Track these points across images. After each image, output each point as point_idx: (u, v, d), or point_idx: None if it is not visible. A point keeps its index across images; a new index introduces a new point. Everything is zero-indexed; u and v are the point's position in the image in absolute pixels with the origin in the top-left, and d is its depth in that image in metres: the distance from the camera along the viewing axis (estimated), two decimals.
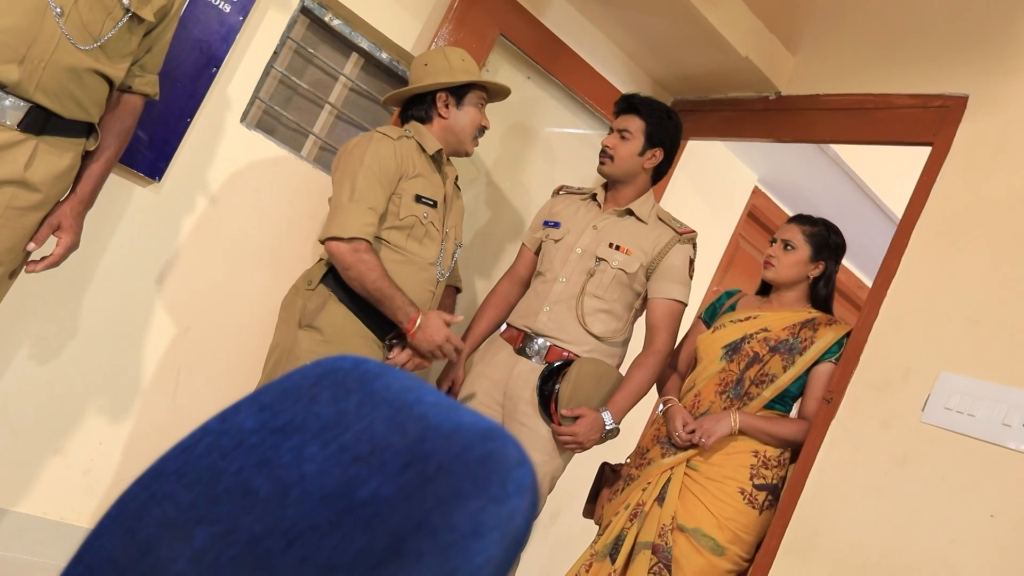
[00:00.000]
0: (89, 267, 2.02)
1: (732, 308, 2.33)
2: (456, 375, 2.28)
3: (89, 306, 2.07)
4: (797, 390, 2.15)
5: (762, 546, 2.02)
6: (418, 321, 1.96)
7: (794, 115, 2.55)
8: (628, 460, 2.32)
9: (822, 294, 2.24)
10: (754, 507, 2.06)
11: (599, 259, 2.19)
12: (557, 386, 2.10)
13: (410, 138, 2.06)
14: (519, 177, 2.83)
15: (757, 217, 3.58)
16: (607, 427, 2.13)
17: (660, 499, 2.11)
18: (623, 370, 2.25)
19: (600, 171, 2.27)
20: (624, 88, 2.86)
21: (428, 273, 2.06)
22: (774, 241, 2.27)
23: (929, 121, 2.16)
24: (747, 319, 2.23)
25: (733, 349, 2.19)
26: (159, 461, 0.79)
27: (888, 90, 2.30)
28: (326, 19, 2.34)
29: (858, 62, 2.42)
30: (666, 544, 2.05)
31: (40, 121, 1.56)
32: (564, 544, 3.02)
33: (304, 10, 2.30)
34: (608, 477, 2.35)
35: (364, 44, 2.43)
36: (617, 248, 2.20)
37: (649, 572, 2.03)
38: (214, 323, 2.25)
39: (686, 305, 2.26)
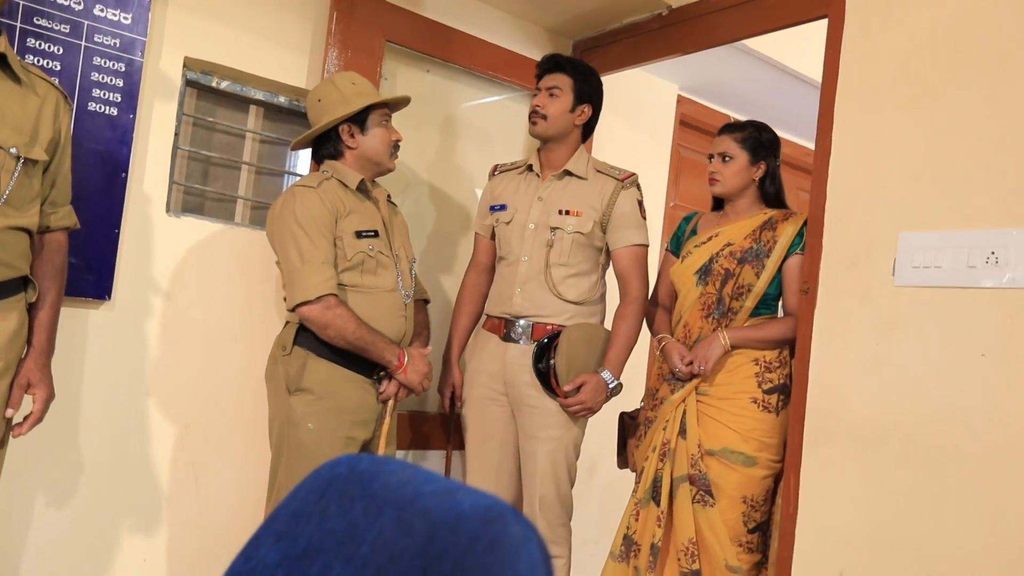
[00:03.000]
0: (73, 403, 2.03)
1: (694, 231, 2.37)
2: (454, 379, 2.37)
3: (86, 438, 2.08)
4: (776, 290, 2.21)
5: (788, 444, 2.10)
6: (405, 358, 2.02)
7: (691, 24, 2.55)
8: (643, 404, 2.39)
9: (771, 191, 2.30)
10: (770, 411, 2.13)
11: (553, 228, 2.23)
12: (552, 361, 2.15)
13: (330, 179, 2.06)
14: (454, 167, 2.83)
15: (689, 123, 3.59)
16: (610, 385, 2.20)
17: (682, 432, 2.17)
18: (607, 324, 2.30)
19: (533, 132, 2.29)
20: (523, 49, 2.85)
21: (393, 300, 2.08)
22: (712, 157, 2.31)
23: None
24: (709, 239, 2.28)
25: (705, 272, 2.24)
26: None
27: None
28: (214, 84, 2.31)
29: None
30: (700, 472, 2.12)
31: None
32: (608, 493, 3.11)
33: (189, 83, 2.26)
34: (629, 425, 2.42)
35: (259, 95, 2.41)
36: (567, 213, 2.23)
37: (693, 502, 2.12)
38: (210, 411, 2.27)
39: (647, 246, 2.31)
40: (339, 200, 2.03)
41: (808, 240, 2.11)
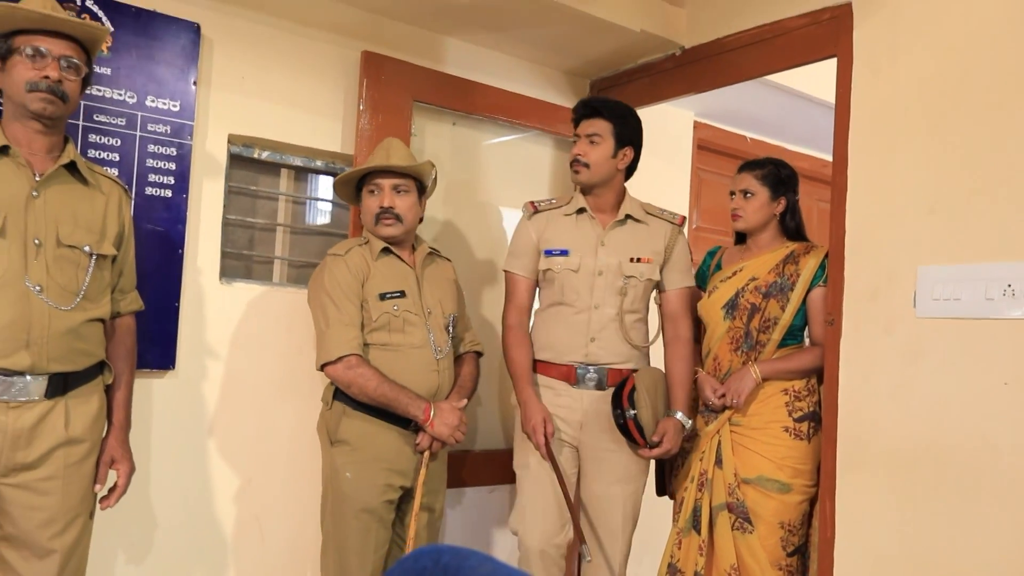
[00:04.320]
0: (144, 466, 2.17)
1: (718, 267, 2.47)
2: (544, 414, 2.22)
3: (158, 498, 2.22)
4: (801, 321, 2.30)
5: (821, 470, 2.19)
6: (431, 412, 2.10)
7: (704, 64, 2.64)
8: None
9: (792, 226, 2.39)
10: (801, 439, 2.22)
11: (628, 276, 2.26)
12: (633, 412, 2.15)
13: (363, 244, 2.20)
14: (483, 210, 2.95)
15: (707, 146, 3.68)
16: (685, 427, 2.27)
17: (718, 462, 2.27)
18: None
19: (577, 180, 2.30)
20: (542, 93, 2.96)
21: (423, 356, 2.16)
22: (733, 193, 2.40)
23: (825, 35, 2.26)
24: (734, 274, 2.37)
25: (731, 306, 2.33)
26: None
27: (779, 16, 2.39)
28: (255, 156, 2.45)
29: None
30: (738, 500, 2.22)
31: (61, 384, 1.70)
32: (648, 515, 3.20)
33: (233, 157, 2.40)
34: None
35: (297, 161, 2.54)
36: (639, 260, 2.27)
37: (733, 529, 2.21)
38: (270, 464, 2.41)
39: (693, 286, 2.43)
40: (365, 265, 2.16)
41: (830, 273, 2.20)
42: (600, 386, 2.26)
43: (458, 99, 2.70)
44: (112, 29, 2.09)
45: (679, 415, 2.24)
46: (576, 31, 2.64)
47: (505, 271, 2.39)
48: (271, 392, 2.40)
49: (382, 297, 2.15)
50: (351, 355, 2.07)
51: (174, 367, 2.22)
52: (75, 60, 1.73)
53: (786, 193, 2.37)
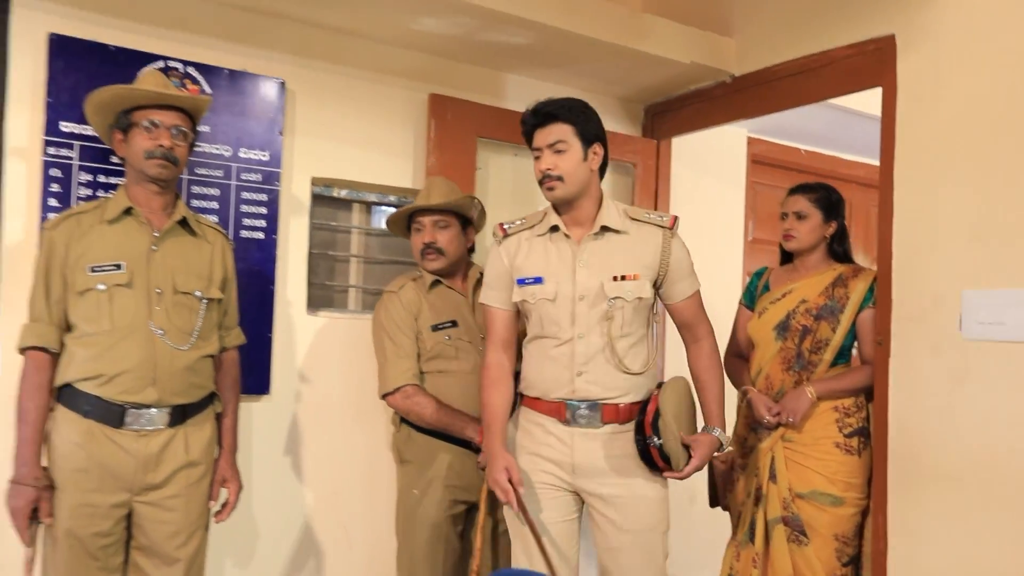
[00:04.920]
0: (247, 481, 2.40)
1: (767, 287, 2.57)
2: (508, 463, 1.96)
3: (258, 509, 2.47)
4: (849, 341, 2.40)
5: (873, 485, 2.29)
6: None
7: (753, 91, 2.76)
8: (730, 448, 2.60)
9: (840, 250, 2.48)
10: (852, 453, 2.32)
11: (612, 298, 1.96)
12: (658, 440, 1.90)
13: (417, 279, 2.39)
14: None
15: (761, 160, 3.77)
16: (724, 445, 2.06)
17: (772, 477, 2.39)
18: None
19: (552, 198, 2.01)
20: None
21: (476, 381, 2.22)
22: (785, 215, 2.50)
23: (870, 66, 2.35)
24: (784, 296, 2.47)
25: (783, 328, 2.44)
26: None
27: (825, 47, 2.49)
28: (334, 195, 2.67)
29: (792, 27, 2.61)
30: (793, 513, 2.33)
31: (180, 414, 1.94)
32: (705, 523, 3.33)
33: (315, 197, 2.62)
34: (717, 468, 2.62)
35: (372, 197, 2.76)
36: (623, 278, 1.98)
37: (788, 541, 2.33)
38: (354, 478, 2.63)
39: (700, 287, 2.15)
40: (417, 299, 2.35)
41: (879, 296, 2.30)
42: (594, 424, 1.98)
43: (518, 133, 2.86)
44: (210, 90, 2.33)
45: (717, 432, 2.04)
46: (629, 65, 2.78)
47: (481, 303, 2.15)
48: (352, 412, 2.62)
49: (434, 328, 2.33)
50: (407, 385, 2.26)
51: (269, 392, 2.46)
52: (184, 128, 1.97)
53: (837, 217, 2.47)
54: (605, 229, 2.01)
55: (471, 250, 2.49)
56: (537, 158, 2.01)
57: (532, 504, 1.98)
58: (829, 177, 3.99)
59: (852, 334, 2.40)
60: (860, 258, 2.60)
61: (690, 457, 1.96)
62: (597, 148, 2.01)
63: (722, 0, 2.80)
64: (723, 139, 3.51)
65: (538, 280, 2.01)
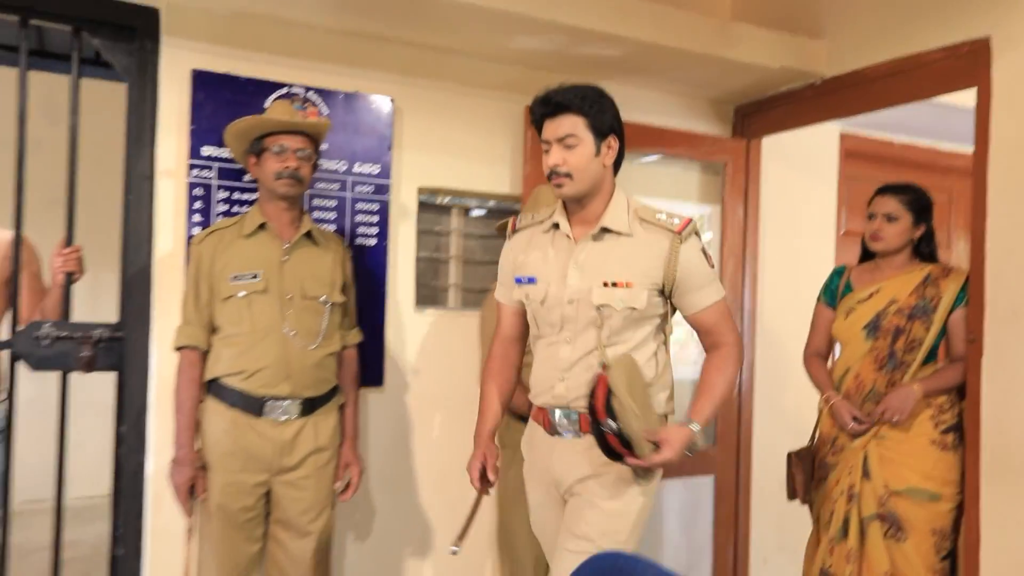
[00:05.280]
0: (367, 466, 2.66)
1: (848, 286, 2.59)
2: (484, 452, 2.04)
3: (376, 490, 2.72)
4: (937, 340, 2.43)
5: (966, 480, 2.33)
6: None
7: (844, 93, 2.79)
8: (814, 445, 2.64)
9: (926, 251, 2.50)
10: (946, 449, 2.37)
11: (600, 306, 1.83)
12: (614, 424, 1.69)
13: None
14: None
15: (854, 154, 3.75)
16: (696, 445, 1.83)
17: (866, 475, 2.43)
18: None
19: (560, 195, 1.88)
20: (689, 122, 3.20)
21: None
22: (873, 216, 2.51)
23: (964, 68, 2.36)
24: (871, 296, 2.50)
25: (873, 328, 2.47)
26: None
27: (917, 49, 2.51)
28: (438, 202, 2.88)
29: (884, 29, 2.63)
30: (889, 510, 2.38)
31: (309, 406, 2.19)
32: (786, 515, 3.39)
33: (422, 205, 2.84)
34: (796, 463, 2.64)
35: (473, 203, 2.95)
36: (615, 285, 1.83)
37: (885, 537, 2.38)
38: (460, 461, 2.83)
39: (724, 296, 1.93)
40: None
41: (971, 295, 2.32)
42: (572, 434, 1.89)
43: None
44: (327, 111, 2.56)
45: (694, 426, 1.79)
46: (719, 71, 2.86)
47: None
48: (457, 400, 2.83)
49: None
50: None
51: (383, 384, 2.69)
52: (308, 151, 2.20)
53: (927, 220, 2.48)
54: (605, 231, 1.86)
55: None
56: (546, 151, 1.86)
57: (531, 513, 2.06)
58: (927, 168, 3.95)
59: (941, 333, 2.42)
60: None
61: (657, 447, 1.73)
62: (612, 141, 1.85)
63: (812, 4, 2.84)
64: (815, 135, 3.52)
65: (532, 280, 1.93)
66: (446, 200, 2.90)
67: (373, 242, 2.66)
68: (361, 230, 2.64)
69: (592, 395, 1.73)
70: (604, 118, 1.83)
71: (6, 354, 2.34)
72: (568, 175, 1.82)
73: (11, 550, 2.37)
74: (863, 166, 3.81)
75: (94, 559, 2.76)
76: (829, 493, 2.54)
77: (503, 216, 2.98)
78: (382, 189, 2.67)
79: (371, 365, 2.65)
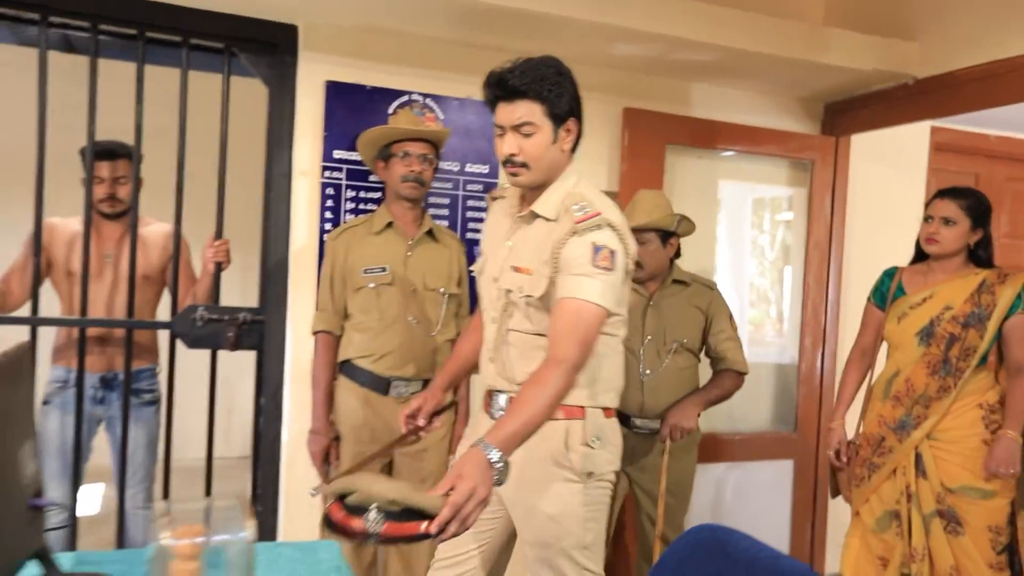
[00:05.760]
0: None
1: (900, 289, 2.58)
2: (427, 398, 1.96)
3: None
4: (990, 346, 2.44)
5: (1019, 479, 2.38)
6: None
7: (935, 95, 2.87)
8: (857, 443, 2.64)
9: (983, 256, 2.49)
10: None
11: (507, 291, 1.77)
12: (373, 513, 1.30)
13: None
14: (716, 231, 3.40)
15: (944, 148, 3.78)
16: (496, 465, 1.43)
17: (923, 474, 2.48)
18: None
19: (518, 184, 1.78)
20: (778, 120, 3.31)
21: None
22: (930, 219, 2.49)
23: None
24: (924, 301, 2.50)
25: (927, 334, 2.48)
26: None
27: (1011, 53, 2.57)
28: None
29: (978, 33, 2.70)
30: (947, 507, 2.45)
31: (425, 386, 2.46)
32: None
33: None
34: (835, 464, 2.68)
35: None
36: (518, 270, 1.76)
37: (946, 532, 2.46)
38: None
39: (601, 307, 1.64)
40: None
41: None
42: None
43: (703, 138, 3.15)
44: (443, 116, 2.80)
45: (490, 451, 1.43)
46: (810, 73, 2.98)
47: None
48: None
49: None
50: None
51: None
52: (430, 155, 2.45)
53: (985, 225, 2.47)
54: (535, 215, 1.77)
55: (678, 255, 2.65)
56: (499, 136, 1.74)
57: None
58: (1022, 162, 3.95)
59: (994, 338, 2.43)
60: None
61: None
62: (571, 125, 1.75)
63: (905, 7, 2.92)
64: (905, 129, 3.58)
65: (478, 254, 1.93)
66: None
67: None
68: (471, 226, 2.88)
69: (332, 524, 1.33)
70: (562, 102, 1.71)
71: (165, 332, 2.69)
72: (524, 164, 1.72)
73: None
74: (954, 160, 3.84)
75: None
76: (876, 491, 2.58)
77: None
78: (490, 188, 2.90)
79: None
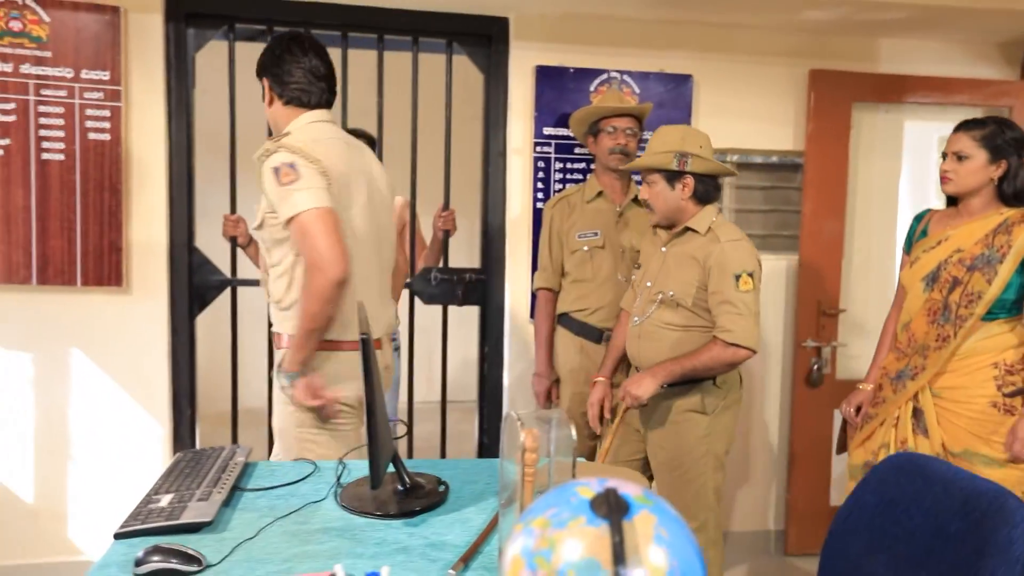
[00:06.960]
0: None
1: (924, 233, 2.36)
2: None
3: None
4: (1014, 294, 2.16)
5: None
6: None
7: None
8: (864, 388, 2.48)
9: (1009, 192, 2.20)
10: (1012, 414, 2.13)
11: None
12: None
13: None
14: (892, 186, 3.46)
15: None
16: (284, 385, 1.96)
17: (924, 432, 2.24)
18: None
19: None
20: (973, 68, 3.29)
21: None
22: (945, 155, 2.26)
23: None
24: (938, 244, 2.27)
25: (932, 279, 2.25)
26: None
27: None
28: (726, 160, 3.30)
29: None
30: None
31: None
32: None
33: None
34: (851, 420, 2.51)
35: (758, 160, 3.34)
36: None
37: None
38: None
39: (304, 208, 1.81)
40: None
41: None
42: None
43: (891, 93, 3.22)
44: (639, 91, 3.07)
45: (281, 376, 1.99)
46: (1009, 18, 2.96)
47: None
48: None
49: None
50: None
51: None
52: (634, 129, 2.73)
53: (1009, 156, 2.18)
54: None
55: (708, 198, 2.44)
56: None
57: None
58: None
59: (1018, 286, 2.15)
60: None
61: None
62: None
63: None
64: None
65: None
66: (735, 159, 3.31)
67: None
68: None
69: None
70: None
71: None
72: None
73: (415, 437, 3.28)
74: None
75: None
76: (864, 443, 2.39)
77: (786, 171, 3.35)
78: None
79: None
